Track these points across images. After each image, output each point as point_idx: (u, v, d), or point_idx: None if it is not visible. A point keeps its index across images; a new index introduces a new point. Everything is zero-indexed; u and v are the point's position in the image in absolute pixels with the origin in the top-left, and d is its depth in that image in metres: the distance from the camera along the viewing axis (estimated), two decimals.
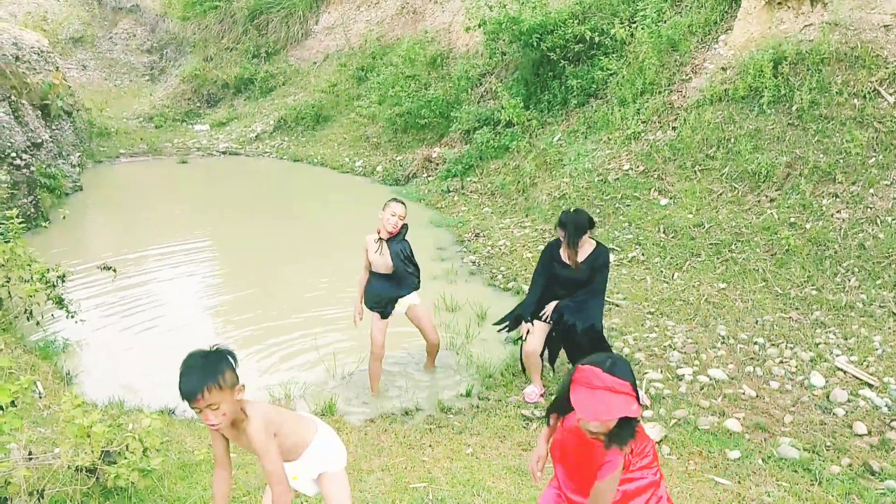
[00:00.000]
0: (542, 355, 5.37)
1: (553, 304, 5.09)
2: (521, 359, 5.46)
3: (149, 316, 7.20)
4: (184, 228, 10.97)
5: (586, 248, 5.01)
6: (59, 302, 6.21)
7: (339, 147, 17.04)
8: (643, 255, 7.88)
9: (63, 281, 6.30)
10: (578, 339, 4.99)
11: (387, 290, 5.32)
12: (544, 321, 5.14)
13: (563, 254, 5.01)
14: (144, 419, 3.46)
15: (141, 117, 22.19)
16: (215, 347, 2.56)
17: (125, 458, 3.31)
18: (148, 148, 18.75)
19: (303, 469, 2.91)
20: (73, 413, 3.27)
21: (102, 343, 6.54)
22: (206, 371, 2.43)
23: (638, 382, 5.29)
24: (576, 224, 4.90)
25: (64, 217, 9.14)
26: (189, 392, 2.39)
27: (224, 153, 18.63)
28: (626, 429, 2.33)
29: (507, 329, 5.55)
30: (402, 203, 5.27)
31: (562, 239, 4.99)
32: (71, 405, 3.30)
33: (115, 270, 6.79)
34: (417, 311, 5.50)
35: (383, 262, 5.27)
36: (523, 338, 5.32)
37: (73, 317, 6.20)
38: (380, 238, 5.27)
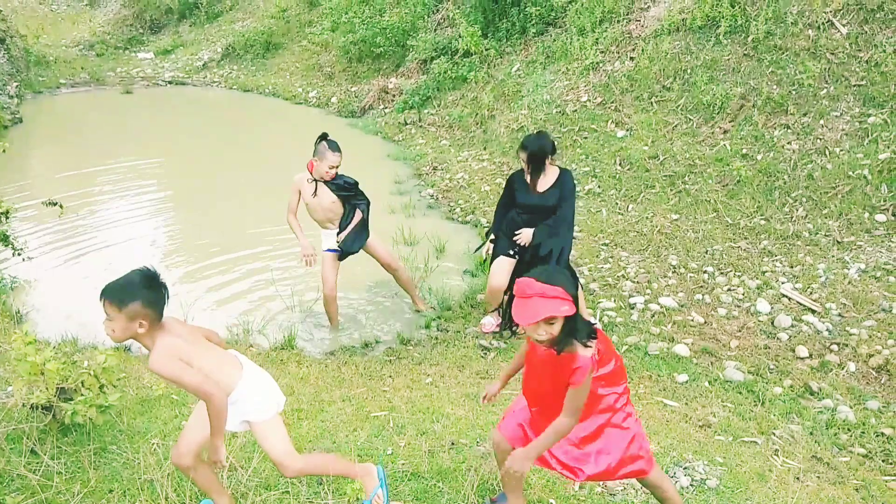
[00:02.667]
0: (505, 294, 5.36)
1: (528, 230, 4.95)
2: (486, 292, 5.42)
3: (98, 251, 7.04)
4: (131, 162, 10.60)
5: (550, 174, 4.91)
6: (4, 239, 5.99)
7: (292, 77, 16.54)
8: (599, 187, 7.95)
9: (7, 217, 6.04)
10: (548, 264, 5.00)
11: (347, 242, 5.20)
12: (515, 252, 5.08)
13: (528, 180, 4.93)
14: (99, 356, 3.41)
15: (81, 45, 21.08)
16: (155, 273, 2.55)
17: (81, 394, 3.28)
18: (90, 77, 17.91)
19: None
20: (24, 351, 3.21)
21: (52, 280, 6.38)
22: (120, 287, 2.45)
23: (592, 312, 5.41)
24: (540, 147, 4.80)
25: (3, 151, 8.70)
26: (100, 295, 2.46)
27: (170, 83, 17.92)
28: (569, 332, 2.43)
29: (477, 249, 5.55)
30: (339, 150, 4.98)
31: (524, 164, 4.89)
32: (22, 343, 3.23)
33: (61, 206, 6.54)
34: (372, 243, 5.37)
35: (320, 203, 5.08)
36: (486, 254, 5.27)
37: (19, 254, 6.00)
38: (314, 179, 5.03)
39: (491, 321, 5.42)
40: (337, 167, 4.97)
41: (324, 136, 5.03)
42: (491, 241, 5.24)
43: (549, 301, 2.36)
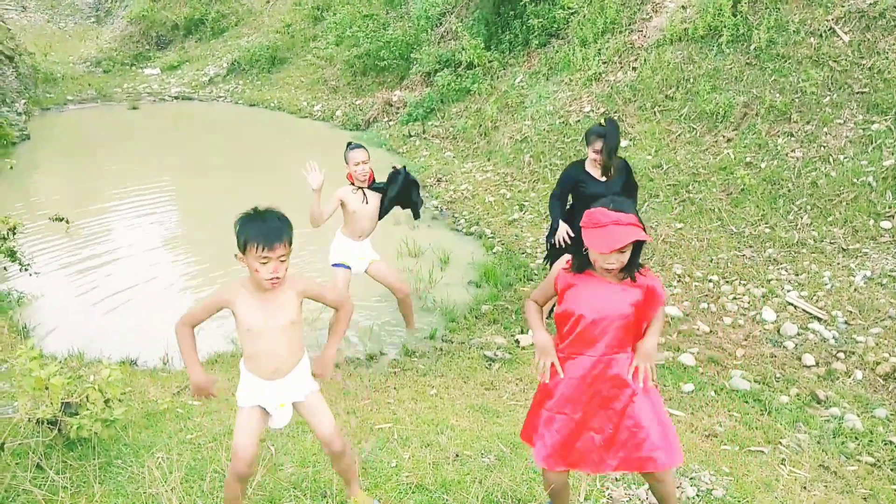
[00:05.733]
0: None
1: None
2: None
3: (105, 266, 7.07)
4: (138, 177, 10.68)
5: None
6: (12, 255, 6.03)
7: (297, 91, 16.64)
8: None
9: (14, 233, 6.09)
10: None
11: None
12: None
13: (593, 169, 4.91)
14: (104, 370, 3.43)
15: (88, 61, 21.30)
16: (274, 209, 2.63)
17: (87, 409, 3.29)
18: (97, 93, 18.09)
19: (291, 389, 2.79)
20: (29, 366, 3.22)
21: (59, 296, 6.41)
22: (287, 225, 2.55)
23: None
24: (617, 135, 4.84)
25: (11, 167, 8.82)
26: (274, 237, 2.48)
27: (176, 98, 18.07)
28: (636, 256, 2.50)
29: (548, 261, 5.50)
30: (362, 146, 5.02)
31: (596, 152, 4.83)
32: (27, 358, 3.25)
33: (67, 221, 6.60)
34: (378, 267, 5.32)
35: (368, 211, 5.04)
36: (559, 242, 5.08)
37: (26, 269, 6.04)
38: (358, 188, 5.00)
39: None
40: (365, 162, 4.94)
41: (348, 145, 5.09)
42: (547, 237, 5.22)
43: (627, 228, 2.39)
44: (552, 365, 2.64)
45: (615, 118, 8.87)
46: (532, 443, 2.76)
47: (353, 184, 5.01)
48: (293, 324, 2.67)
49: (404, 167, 5.21)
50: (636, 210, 2.48)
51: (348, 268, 5.22)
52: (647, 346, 2.59)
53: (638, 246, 2.48)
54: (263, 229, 2.48)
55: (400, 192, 5.11)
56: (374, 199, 5.09)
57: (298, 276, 2.71)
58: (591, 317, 2.54)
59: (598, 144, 4.83)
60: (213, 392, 2.77)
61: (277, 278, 2.52)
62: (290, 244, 2.54)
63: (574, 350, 2.62)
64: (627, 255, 2.45)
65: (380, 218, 5.20)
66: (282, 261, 2.52)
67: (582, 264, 2.59)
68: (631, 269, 2.52)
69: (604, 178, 4.93)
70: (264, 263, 2.49)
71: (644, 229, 2.44)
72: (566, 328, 2.62)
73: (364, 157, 4.95)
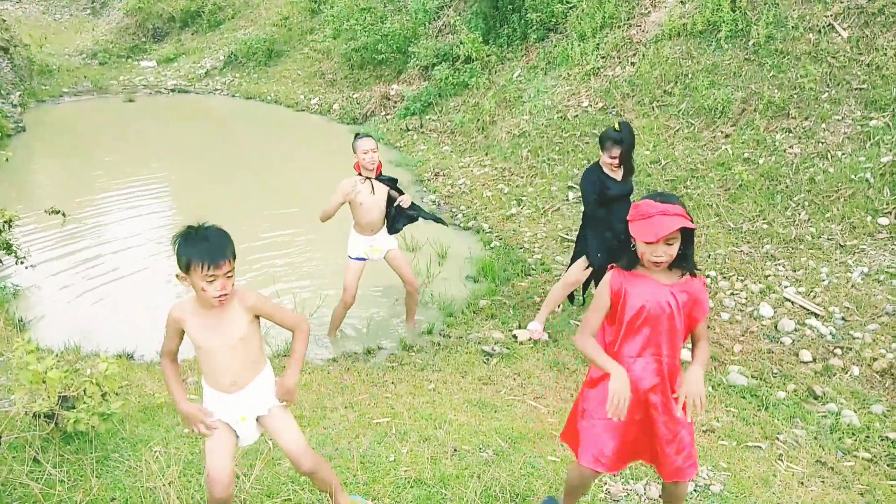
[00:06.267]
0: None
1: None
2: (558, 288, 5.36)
3: (101, 260, 7.04)
4: (134, 169, 10.63)
5: None
6: (7, 248, 6.00)
7: (294, 84, 16.58)
8: None
9: (10, 226, 6.06)
10: None
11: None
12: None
13: (610, 171, 4.92)
14: (102, 364, 3.41)
15: (84, 53, 21.18)
16: (211, 224, 2.53)
17: (84, 402, 3.28)
18: (93, 86, 18.00)
19: (251, 402, 2.68)
20: (27, 359, 3.21)
21: (55, 289, 6.39)
22: (229, 240, 2.48)
23: None
24: (632, 134, 4.88)
25: (7, 160, 8.75)
26: (219, 255, 2.40)
27: (173, 91, 17.98)
28: (690, 248, 2.49)
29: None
30: (370, 136, 5.02)
31: (613, 156, 4.82)
32: (24, 351, 3.23)
33: (63, 214, 6.56)
34: (396, 255, 5.31)
35: (377, 203, 5.01)
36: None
37: (22, 262, 6.01)
38: (366, 178, 4.97)
39: (538, 327, 5.40)
40: (374, 151, 4.94)
41: (356, 135, 5.10)
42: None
43: (674, 217, 2.39)
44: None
45: (614, 113, 8.86)
46: (575, 445, 2.73)
47: (360, 174, 4.99)
48: (242, 340, 2.58)
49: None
50: (682, 202, 2.48)
51: (364, 259, 5.22)
52: (694, 376, 2.54)
53: (687, 240, 2.47)
54: (207, 248, 2.40)
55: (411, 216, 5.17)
56: (382, 190, 5.06)
57: (248, 290, 2.63)
58: (651, 312, 2.51)
59: (616, 150, 4.83)
60: (207, 422, 2.64)
61: (225, 294, 2.46)
62: (234, 258, 2.47)
63: (626, 348, 2.59)
64: (675, 248, 2.45)
65: (392, 232, 5.20)
66: (228, 276, 2.45)
67: (631, 261, 2.56)
68: (685, 263, 2.51)
69: (620, 179, 4.97)
70: (211, 282, 2.42)
71: (690, 219, 2.43)
72: (623, 326, 2.57)
73: (373, 145, 4.96)
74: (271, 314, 2.66)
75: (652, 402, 2.59)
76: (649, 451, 2.67)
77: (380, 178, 5.05)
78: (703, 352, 2.65)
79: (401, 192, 5.13)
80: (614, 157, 4.83)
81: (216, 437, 2.67)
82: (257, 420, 2.74)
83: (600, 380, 2.63)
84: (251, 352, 2.64)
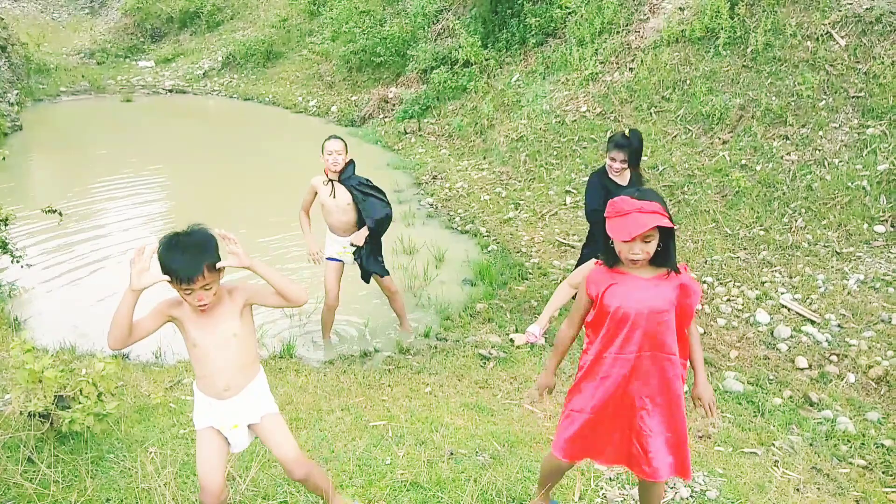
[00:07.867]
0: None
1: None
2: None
3: (97, 259, 7.02)
4: (130, 169, 10.61)
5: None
6: (3, 246, 5.98)
7: (292, 85, 16.58)
8: None
9: (6, 225, 6.04)
10: None
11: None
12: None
13: (614, 176, 4.93)
14: (98, 363, 3.40)
15: (82, 53, 21.17)
16: (198, 226, 2.48)
17: (79, 402, 3.26)
18: (90, 85, 17.97)
19: (243, 410, 2.66)
20: (23, 358, 3.20)
21: (51, 288, 6.37)
22: (206, 251, 2.41)
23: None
24: (640, 142, 4.89)
25: (3, 158, 8.72)
26: (192, 270, 2.35)
27: (170, 91, 17.97)
28: (670, 246, 2.47)
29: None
30: (339, 138, 4.92)
31: (619, 163, 4.85)
32: (20, 350, 3.22)
33: (60, 214, 6.54)
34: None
35: (337, 204, 4.94)
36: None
37: (18, 261, 5.99)
38: (329, 180, 4.94)
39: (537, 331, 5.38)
40: (339, 153, 4.85)
41: (327, 137, 5.01)
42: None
43: (650, 215, 2.36)
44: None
45: (611, 119, 8.89)
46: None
47: (326, 175, 4.95)
48: (236, 336, 2.56)
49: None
50: (662, 199, 2.45)
51: (340, 261, 5.19)
52: (700, 385, 2.75)
53: (667, 237, 2.44)
54: (180, 262, 2.36)
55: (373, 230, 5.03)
56: (343, 194, 4.94)
57: (240, 285, 2.58)
58: (630, 311, 2.48)
59: (621, 156, 4.84)
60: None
61: (205, 304, 2.44)
62: (214, 268, 2.41)
63: (609, 348, 2.56)
64: (653, 245, 2.42)
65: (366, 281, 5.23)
66: (206, 289, 2.41)
67: (609, 258, 2.54)
68: (666, 259, 2.47)
69: (625, 184, 4.96)
70: (188, 294, 2.41)
71: (670, 218, 2.40)
72: (604, 325, 2.56)
73: (338, 147, 4.85)
74: (266, 297, 2.62)
75: (631, 397, 2.59)
76: (625, 452, 2.67)
77: (350, 179, 4.94)
78: (697, 354, 2.73)
79: (377, 196, 5.01)
80: (614, 160, 4.85)
81: (207, 446, 2.64)
82: (249, 427, 2.73)
83: (581, 380, 2.67)
84: (245, 351, 2.63)
